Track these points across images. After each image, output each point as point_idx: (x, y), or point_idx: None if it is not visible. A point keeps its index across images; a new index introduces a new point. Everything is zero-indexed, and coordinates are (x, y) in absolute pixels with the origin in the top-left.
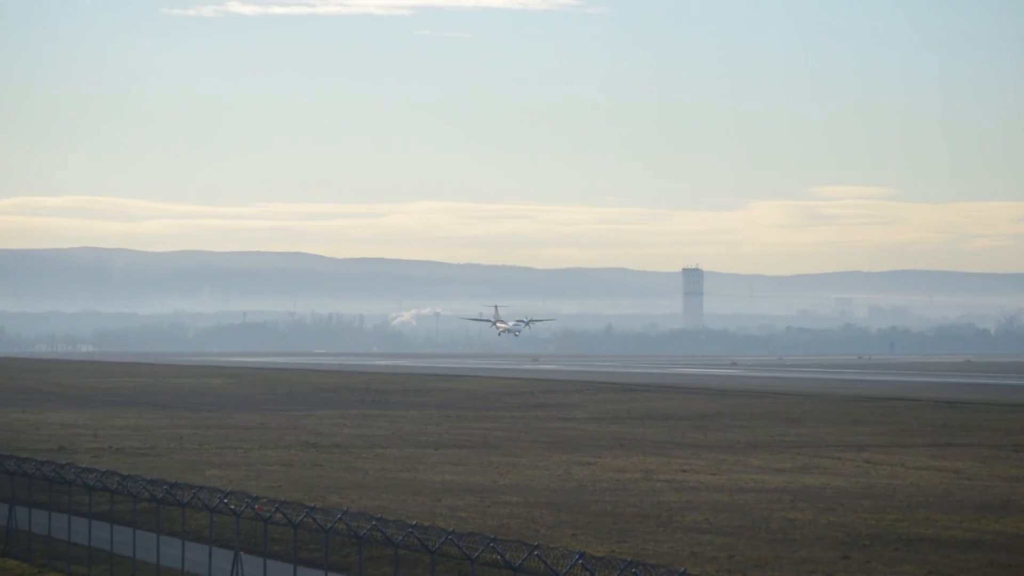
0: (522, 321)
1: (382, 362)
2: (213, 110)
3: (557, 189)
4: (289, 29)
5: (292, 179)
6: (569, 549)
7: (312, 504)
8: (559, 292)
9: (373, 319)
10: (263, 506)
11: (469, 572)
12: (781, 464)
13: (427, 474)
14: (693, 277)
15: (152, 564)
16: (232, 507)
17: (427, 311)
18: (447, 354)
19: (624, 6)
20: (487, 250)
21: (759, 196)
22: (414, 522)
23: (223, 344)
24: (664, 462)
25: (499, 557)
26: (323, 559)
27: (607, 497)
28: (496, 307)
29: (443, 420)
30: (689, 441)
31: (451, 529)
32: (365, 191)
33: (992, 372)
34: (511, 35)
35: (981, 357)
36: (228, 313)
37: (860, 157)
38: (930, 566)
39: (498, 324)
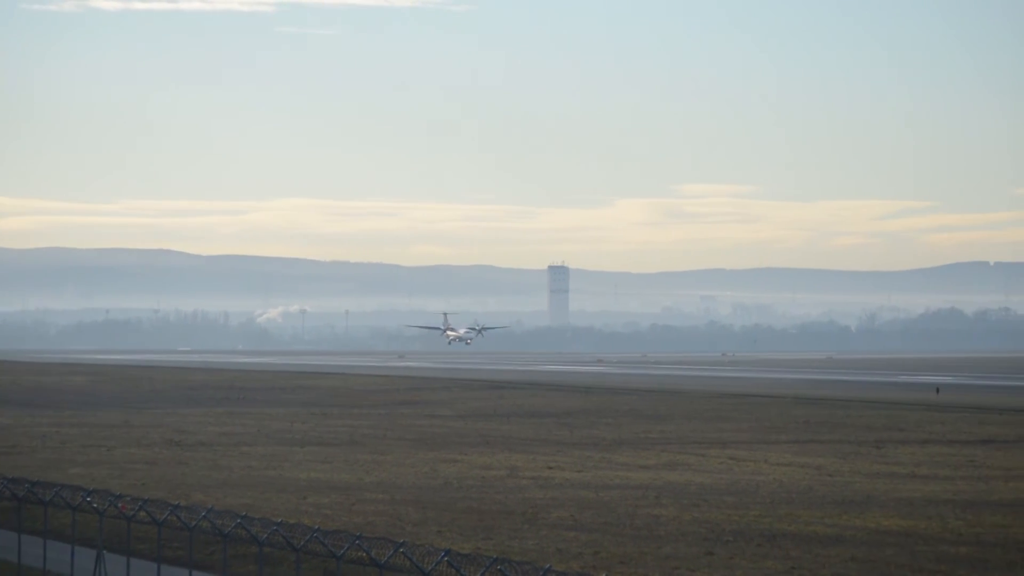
0: (474, 329)
1: (247, 360)
2: (76, 106)
3: (423, 186)
4: (151, 24)
5: (156, 176)
6: (435, 546)
7: (176, 502)
8: (425, 289)
9: (238, 316)
10: (126, 504)
11: (335, 570)
12: (646, 461)
13: (293, 472)
14: (559, 274)
15: (13, 563)
16: (95, 505)
17: (294, 308)
18: (313, 351)
19: (489, 3)
20: (353, 247)
21: (624, 194)
22: (279, 520)
23: (86, 342)
24: (530, 459)
25: (365, 555)
26: (187, 557)
27: (473, 494)
28: (445, 315)
29: (309, 417)
30: (555, 438)
31: (317, 527)
32: (230, 188)
33: (853, 369)
34: (376, 32)
35: (843, 354)
36: (91, 311)
37: (723, 155)
38: (792, 562)
39: (448, 332)
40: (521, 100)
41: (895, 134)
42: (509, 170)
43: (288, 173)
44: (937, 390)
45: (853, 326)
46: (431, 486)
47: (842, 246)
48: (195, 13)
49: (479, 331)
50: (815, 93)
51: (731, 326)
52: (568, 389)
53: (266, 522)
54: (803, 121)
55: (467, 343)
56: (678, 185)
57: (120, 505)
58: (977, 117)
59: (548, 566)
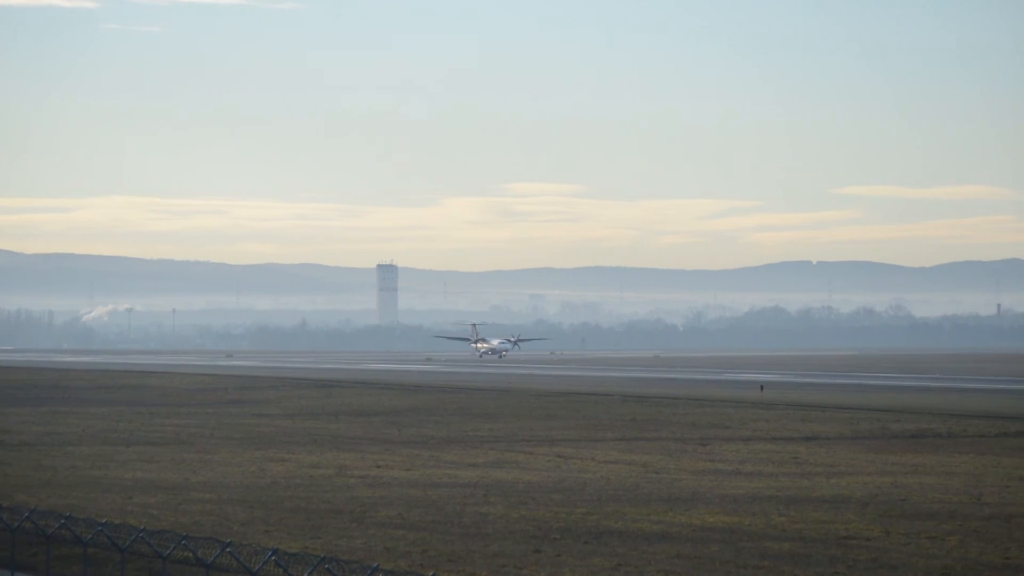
0: (510, 340)
1: (73, 359)
2: None
3: (251, 184)
4: None
5: None
6: (262, 546)
7: None
8: (253, 288)
9: (63, 315)
10: None
11: (160, 570)
12: (474, 459)
13: (118, 472)
14: (388, 273)
15: None
16: None
17: (121, 307)
18: (140, 350)
19: (315, 0)
20: (180, 246)
21: (453, 192)
22: (104, 520)
23: None
24: (358, 458)
25: (191, 554)
26: (10, 559)
27: (301, 493)
28: (474, 325)
29: (135, 417)
30: (383, 437)
31: (142, 527)
32: (53, 185)
33: (679, 366)
34: (201, 29)
35: (669, 352)
36: None
37: (551, 154)
38: (619, 559)
39: (478, 344)
40: (348, 97)
41: (720, 134)
42: (336, 168)
43: (113, 170)
44: (761, 387)
45: (680, 324)
46: (258, 485)
47: (668, 245)
48: (17, 8)
49: (515, 342)
50: (641, 93)
51: (559, 324)
52: (397, 388)
53: (91, 522)
54: (630, 120)
55: (501, 356)
56: (506, 184)
57: None
58: (800, 117)
59: (376, 565)
